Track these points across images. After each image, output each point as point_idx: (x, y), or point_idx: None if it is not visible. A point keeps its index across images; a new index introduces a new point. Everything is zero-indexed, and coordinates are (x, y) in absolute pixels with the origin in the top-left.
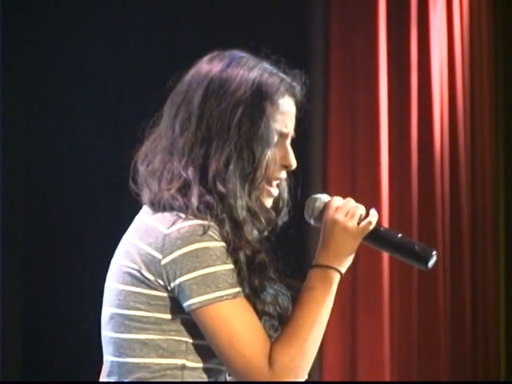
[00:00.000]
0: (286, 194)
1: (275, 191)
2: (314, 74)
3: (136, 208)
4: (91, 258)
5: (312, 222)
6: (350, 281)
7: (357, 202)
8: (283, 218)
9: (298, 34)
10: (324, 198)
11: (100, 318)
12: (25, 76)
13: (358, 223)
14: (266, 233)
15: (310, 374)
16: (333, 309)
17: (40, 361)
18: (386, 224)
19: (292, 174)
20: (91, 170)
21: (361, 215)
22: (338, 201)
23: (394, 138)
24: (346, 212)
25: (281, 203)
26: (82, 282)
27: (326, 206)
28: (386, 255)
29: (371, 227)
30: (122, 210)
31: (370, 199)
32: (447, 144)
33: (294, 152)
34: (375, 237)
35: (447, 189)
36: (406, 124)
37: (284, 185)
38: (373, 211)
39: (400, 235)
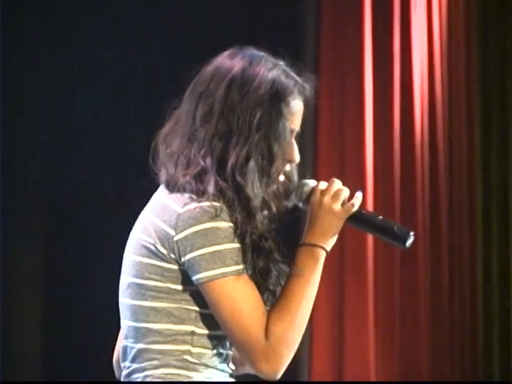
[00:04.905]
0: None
1: (281, 177)
2: (306, 65)
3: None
4: (107, 255)
5: (300, 204)
6: (338, 254)
7: (344, 181)
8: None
9: (290, 34)
10: (311, 183)
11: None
12: (25, 75)
13: (342, 205)
14: (276, 223)
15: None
16: (323, 279)
17: (59, 358)
18: (370, 203)
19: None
20: (100, 166)
21: (345, 197)
22: (323, 185)
23: (379, 124)
24: (331, 195)
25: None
26: (96, 280)
27: (312, 190)
28: (370, 235)
29: (354, 209)
30: (131, 209)
31: (356, 179)
32: (427, 129)
33: None
34: (358, 219)
35: (427, 169)
36: (389, 110)
37: (294, 172)
38: (357, 194)
39: (381, 217)
